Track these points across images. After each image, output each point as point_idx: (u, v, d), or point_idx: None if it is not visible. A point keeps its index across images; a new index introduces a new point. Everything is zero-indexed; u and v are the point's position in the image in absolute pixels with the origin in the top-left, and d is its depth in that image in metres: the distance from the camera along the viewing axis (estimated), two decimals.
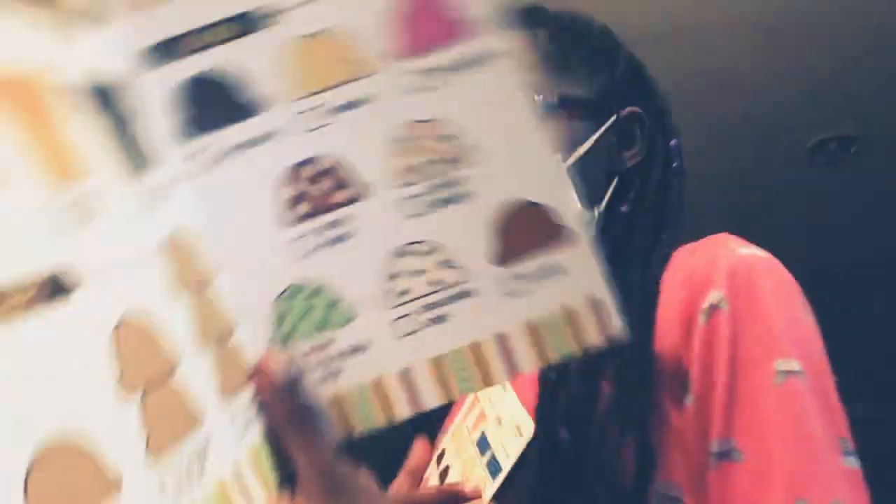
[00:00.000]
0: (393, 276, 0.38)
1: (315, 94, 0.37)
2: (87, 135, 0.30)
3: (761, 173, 2.13)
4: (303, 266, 0.38)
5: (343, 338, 0.39)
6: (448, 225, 0.37)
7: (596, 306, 0.38)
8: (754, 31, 1.67)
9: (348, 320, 0.38)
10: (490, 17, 0.36)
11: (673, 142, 0.62)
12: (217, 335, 0.36)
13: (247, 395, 0.36)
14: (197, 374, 0.33)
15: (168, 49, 0.36)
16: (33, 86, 0.28)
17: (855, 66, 1.78)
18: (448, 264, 0.38)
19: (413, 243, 0.38)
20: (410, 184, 0.37)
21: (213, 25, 0.36)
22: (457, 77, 0.36)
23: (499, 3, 0.36)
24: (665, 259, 0.53)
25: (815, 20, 1.66)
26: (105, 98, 0.32)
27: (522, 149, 0.37)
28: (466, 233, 0.38)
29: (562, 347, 0.38)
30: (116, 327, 0.29)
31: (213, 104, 0.37)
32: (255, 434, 0.36)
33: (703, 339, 0.47)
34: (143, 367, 0.30)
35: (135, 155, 0.33)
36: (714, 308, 0.47)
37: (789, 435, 0.44)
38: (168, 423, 0.30)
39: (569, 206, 0.38)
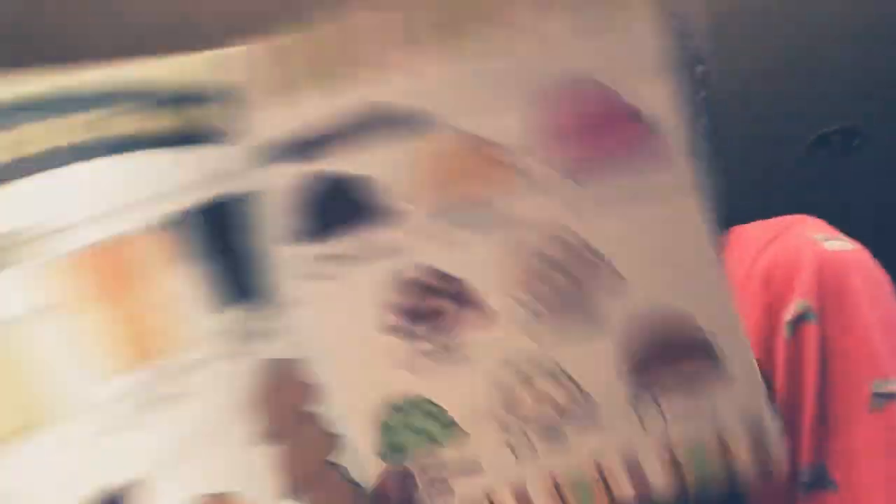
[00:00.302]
0: (509, 395, 0.35)
1: (451, 206, 0.34)
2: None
3: (763, 165, 2.11)
4: (412, 379, 0.36)
5: (455, 455, 0.36)
6: (570, 343, 0.34)
7: (750, 428, 0.34)
8: (756, 21, 1.65)
9: (462, 438, 0.36)
10: (679, 139, 0.31)
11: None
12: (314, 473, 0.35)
13: None
14: None
15: (310, 144, 0.34)
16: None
17: (858, 57, 1.76)
18: (568, 387, 0.35)
19: (532, 362, 0.35)
20: (530, 297, 0.34)
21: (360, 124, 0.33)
22: (614, 205, 0.32)
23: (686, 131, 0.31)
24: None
25: (817, 8, 1.64)
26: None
27: (680, 279, 0.33)
28: (588, 356, 0.34)
29: (703, 469, 0.35)
30: None
31: (344, 207, 0.34)
32: None
33: (788, 357, 0.42)
34: None
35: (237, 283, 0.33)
36: (801, 320, 0.42)
37: (885, 471, 0.39)
38: None
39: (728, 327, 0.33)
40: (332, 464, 0.36)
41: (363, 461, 0.37)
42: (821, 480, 0.40)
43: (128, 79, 0.29)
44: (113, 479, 0.26)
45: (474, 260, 0.34)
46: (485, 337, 0.35)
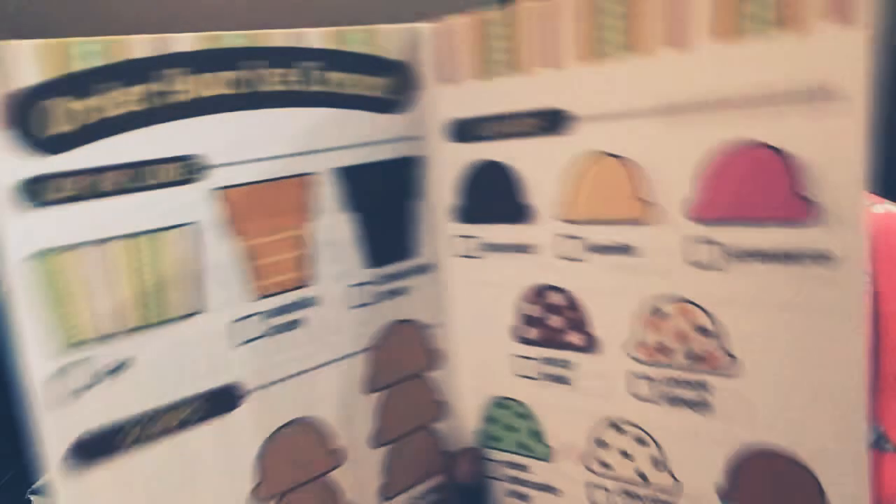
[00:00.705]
0: (600, 443, 0.34)
1: (582, 223, 0.33)
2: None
3: None
4: (520, 384, 0.37)
5: (538, 471, 0.37)
6: (673, 426, 0.32)
7: None
8: None
9: (546, 458, 0.37)
10: (846, 203, 0.27)
11: None
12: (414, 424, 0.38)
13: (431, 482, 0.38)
14: (354, 475, 0.35)
15: (471, 128, 0.35)
16: None
17: None
18: (661, 466, 0.33)
19: (631, 424, 0.33)
20: (645, 362, 0.32)
21: (520, 115, 0.33)
22: (761, 266, 0.29)
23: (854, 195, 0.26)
24: None
25: None
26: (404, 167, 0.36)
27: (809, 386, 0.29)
28: (690, 445, 0.32)
29: None
30: (271, 438, 0.32)
31: (493, 197, 0.35)
32: None
33: None
34: (285, 477, 0.33)
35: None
36: None
37: None
38: None
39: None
40: (429, 427, 0.38)
41: (458, 435, 0.39)
42: (879, 441, 0.35)
43: (337, 38, 0.33)
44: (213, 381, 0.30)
45: (595, 285, 0.33)
46: (589, 373, 0.34)
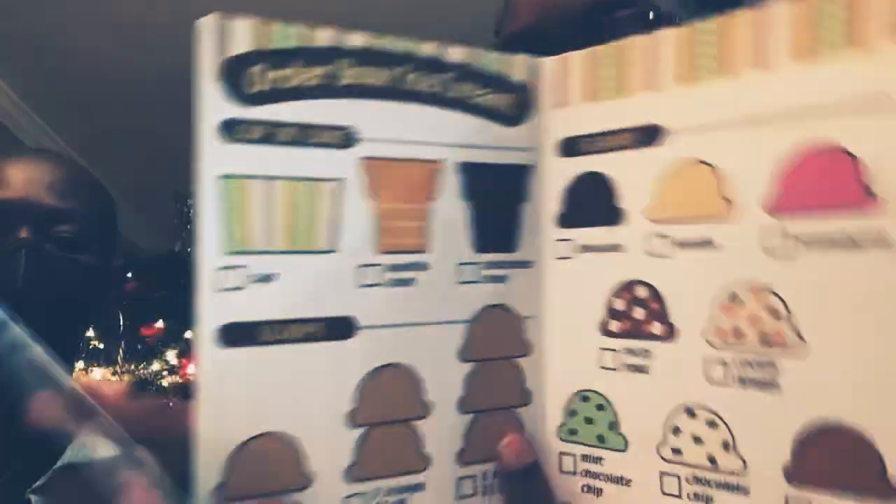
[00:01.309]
0: (674, 430, 0.37)
1: (669, 222, 0.37)
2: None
3: None
4: (601, 376, 0.40)
5: (612, 462, 0.39)
6: (743, 407, 0.34)
7: None
8: None
9: (622, 448, 0.39)
10: None
11: None
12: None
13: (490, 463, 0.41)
14: (437, 430, 0.39)
15: (577, 144, 0.41)
16: None
17: None
18: (731, 449, 0.35)
19: (704, 408, 0.36)
20: (720, 347, 0.35)
21: (621, 132, 0.39)
22: (829, 253, 0.32)
23: None
24: None
25: None
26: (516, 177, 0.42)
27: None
28: (759, 426, 0.34)
29: None
30: (372, 372, 0.37)
31: (590, 203, 0.40)
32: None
33: None
34: (377, 409, 0.38)
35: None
36: None
37: None
38: (380, 458, 0.38)
39: None
40: (511, 409, 0.41)
41: (541, 425, 0.42)
42: None
43: (468, 56, 0.40)
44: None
45: (679, 277, 0.36)
46: (667, 360, 0.37)
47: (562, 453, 0.41)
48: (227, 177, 0.34)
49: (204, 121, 0.34)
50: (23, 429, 0.31)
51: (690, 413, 0.36)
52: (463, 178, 0.40)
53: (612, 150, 0.39)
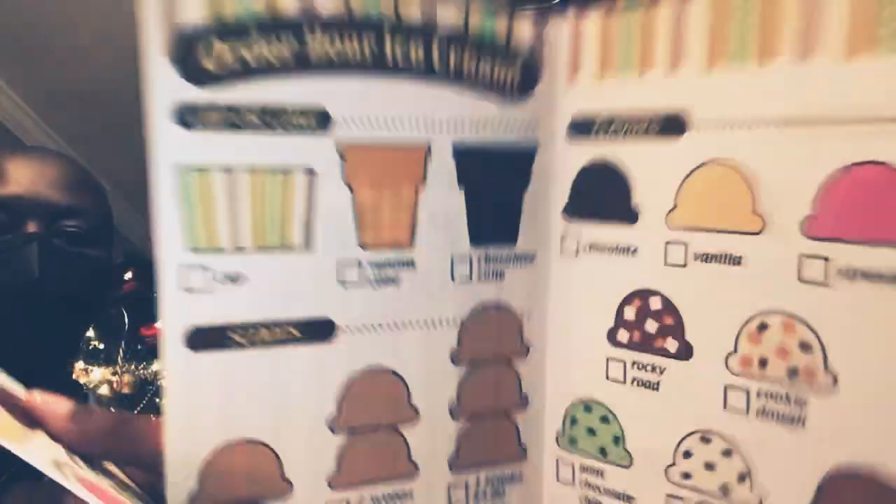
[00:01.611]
0: (685, 454, 0.33)
1: (691, 230, 0.33)
2: None
3: None
4: (607, 387, 0.36)
5: (615, 478, 0.36)
6: (764, 441, 0.30)
7: None
8: None
9: (625, 464, 0.36)
10: None
11: None
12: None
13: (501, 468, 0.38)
14: (426, 436, 0.36)
15: (590, 126, 0.36)
16: None
17: None
18: (746, 480, 0.31)
19: (719, 436, 0.32)
20: (742, 374, 0.31)
21: (640, 117, 0.34)
22: (871, 286, 0.28)
23: None
24: None
25: None
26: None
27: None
28: (780, 462, 0.30)
29: None
30: (354, 376, 0.34)
31: (602, 196, 0.36)
32: None
33: None
34: (360, 414, 0.35)
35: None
36: None
37: None
38: (365, 465, 0.35)
39: None
40: (508, 414, 0.38)
41: (538, 432, 0.39)
42: None
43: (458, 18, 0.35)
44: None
45: (697, 292, 0.32)
46: (680, 380, 0.33)
47: (560, 461, 0.38)
48: (186, 167, 0.30)
49: (155, 104, 0.30)
50: None
51: (705, 439, 0.32)
52: (458, 164, 0.36)
53: (628, 137, 0.34)
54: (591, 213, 0.36)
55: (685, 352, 0.32)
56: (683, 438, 0.33)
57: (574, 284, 0.37)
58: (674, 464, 0.33)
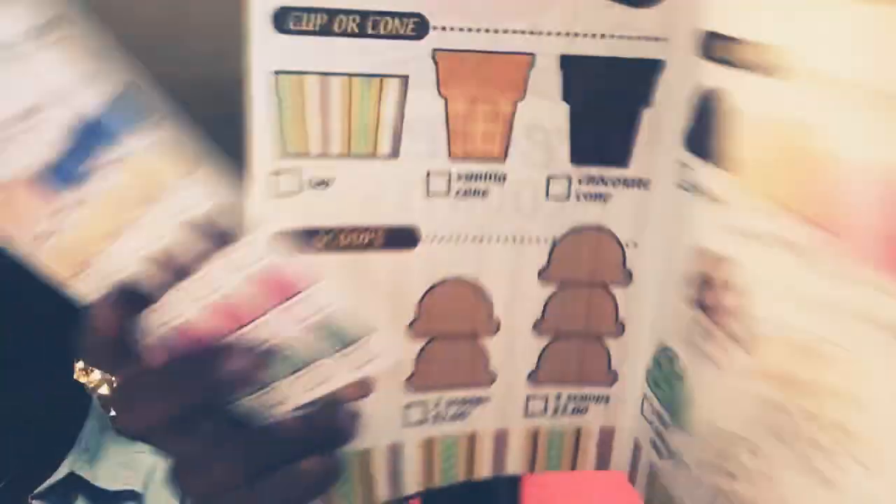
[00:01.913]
0: (739, 438, 0.29)
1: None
2: None
3: None
4: (684, 348, 0.32)
5: (676, 438, 0.33)
6: None
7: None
8: None
9: (688, 430, 0.33)
10: None
11: None
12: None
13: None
14: (506, 348, 0.37)
15: (725, 46, 0.29)
16: None
17: None
18: None
19: None
20: None
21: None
22: None
23: None
24: None
25: None
26: None
27: None
28: None
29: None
30: (436, 284, 0.35)
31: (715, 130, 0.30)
32: None
33: None
34: (439, 323, 0.36)
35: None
36: None
37: None
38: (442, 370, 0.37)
39: None
40: (600, 338, 0.37)
41: (631, 364, 0.37)
42: None
43: None
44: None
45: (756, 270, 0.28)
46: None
47: (645, 398, 0.37)
48: (281, 73, 0.32)
49: (254, 8, 0.31)
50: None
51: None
52: (565, 75, 0.33)
53: (753, 70, 0.29)
54: (707, 149, 0.32)
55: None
56: (751, 417, 0.30)
57: (677, 223, 0.34)
58: (729, 445, 0.30)
